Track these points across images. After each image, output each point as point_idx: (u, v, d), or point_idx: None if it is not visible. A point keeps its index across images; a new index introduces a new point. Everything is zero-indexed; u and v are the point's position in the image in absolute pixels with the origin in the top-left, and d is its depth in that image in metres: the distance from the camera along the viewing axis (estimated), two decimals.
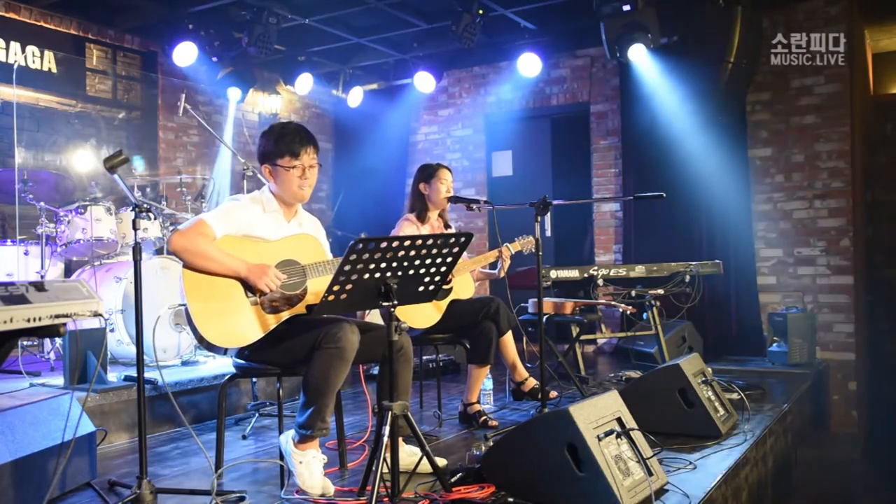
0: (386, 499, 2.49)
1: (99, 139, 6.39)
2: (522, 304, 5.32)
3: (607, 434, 2.59)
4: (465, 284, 3.97)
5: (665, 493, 2.72)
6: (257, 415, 4.16)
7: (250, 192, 3.14)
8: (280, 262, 2.87)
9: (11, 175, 4.99)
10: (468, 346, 3.93)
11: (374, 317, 3.95)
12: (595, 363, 6.36)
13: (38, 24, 6.06)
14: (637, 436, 2.73)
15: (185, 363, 4.74)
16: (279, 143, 2.93)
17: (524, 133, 7.93)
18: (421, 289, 2.69)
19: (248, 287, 2.80)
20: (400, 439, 2.67)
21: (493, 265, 4.13)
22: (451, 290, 3.87)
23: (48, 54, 6.07)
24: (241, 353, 2.90)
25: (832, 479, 4.67)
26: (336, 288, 2.44)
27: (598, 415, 2.66)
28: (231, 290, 2.78)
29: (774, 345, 5.77)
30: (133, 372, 3.19)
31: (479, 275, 4.22)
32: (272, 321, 2.81)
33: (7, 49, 5.79)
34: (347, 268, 2.38)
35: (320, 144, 3.08)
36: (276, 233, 2.97)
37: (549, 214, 3.71)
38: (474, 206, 4.01)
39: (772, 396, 4.58)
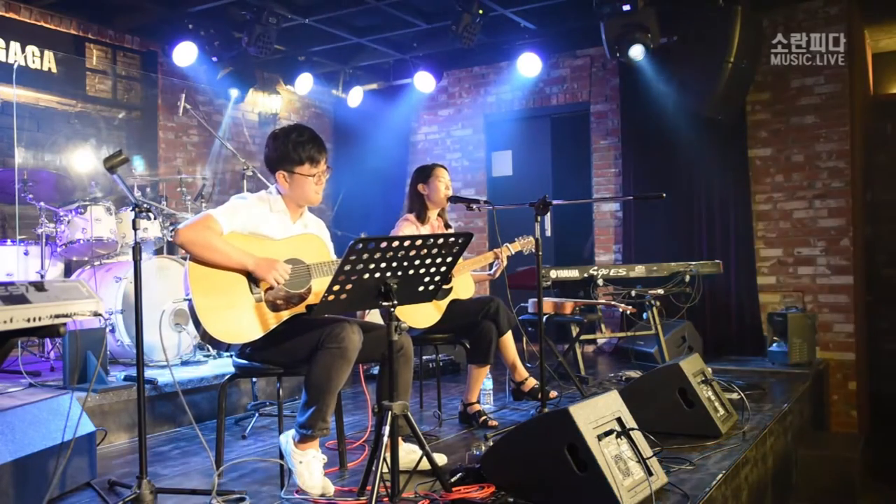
0: (386, 499, 2.49)
1: (99, 139, 6.39)
2: (522, 304, 5.32)
3: (607, 434, 2.59)
4: (465, 284, 3.97)
5: (665, 493, 2.72)
6: (257, 415, 4.16)
7: (250, 192, 3.14)
8: (285, 260, 2.86)
9: (11, 175, 4.98)
10: (468, 346, 3.93)
11: (374, 317, 3.95)
12: (595, 363, 6.36)
13: (38, 24, 6.05)
14: (637, 436, 2.73)
15: (185, 363, 4.74)
16: (299, 150, 2.92)
17: (524, 133, 7.93)
18: (421, 289, 2.69)
19: (253, 283, 2.81)
20: (400, 439, 2.67)
21: (489, 265, 4.13)
22: (451, 290, 3.87)
23: (48, 54, 6.07)
24: (242, 352, 2.90)
25: (832, 479, 4.67)
26: (336, 288, 2.44)
27: (598, 415, 2.66)
28: (236, 285, 2.78)
29: (774, 345, 5.77)
30: (133, 372, 3.19)
31: (474, 276, 4.22)
32: (273, 320, 2.81)
33: (7, 49, 5.79)
34: (347, 268, 2.39)
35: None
36: (281, 233, 2.97)
37: (549, 214, 3.70)
38: (474, 206, 4.01)
39: (772, 396, 4.58)
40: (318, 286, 2.88)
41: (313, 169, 2.94)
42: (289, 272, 2.81)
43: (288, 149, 2.94)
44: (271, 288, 2.82)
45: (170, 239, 5.26)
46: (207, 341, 2.81)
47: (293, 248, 2.93)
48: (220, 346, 2.87)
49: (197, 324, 2.74)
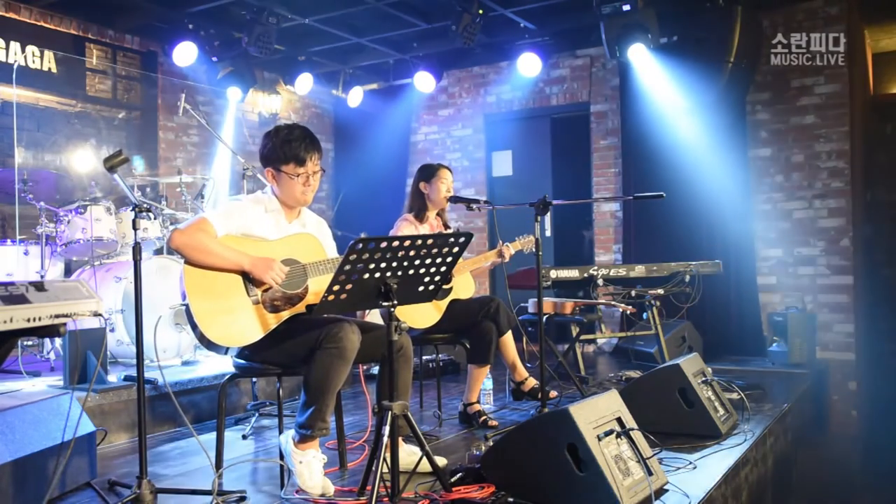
0: (386, 499, 2.49)
1: (99, 139, 6.39)
2: (522, 304, 5.32)
3: (607, 434, 2.59)
4: (465, 284, 3.97)
5: (665, 493, 2.72)
6: (257, 415, 4.16)
7: (251, 193, 3.14)
8: (281, 261, 2.86)
9: (11, 175, 4.99)
10: (468, 346, 3.93)
11: (374, 316, 3.94)
12: (595, 363, 6.36)
13: (38, 24, 6.06)
14: (637, 436, 2.72)
15: (185, 363, 4.74)
16: (285, 148, 2.90)
17: (524, 133, 7.93)
18: (421, 289, 2.69)
19: (250, 284, 2.80)
20: (400, 439, 2.67)
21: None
22: (451, 289, 3.87)
23: (48, 54, 6.07)
24: (241, 352, 2.89)
25: (832, 479, 4.67)
26: (336, 288, 2.44)
27: (598, 415, 2.66)
28: (232, 288, 2.78)
29: (774, 345, 5.77)
30: (133, 372, 3.19)
31: (478, 270, 4.21)
32: (273, 321, 2.80)
33: (7, 49, 5.79)
34: (347, 268, 2.38)
35: (320, 144, 3.07)
36: (276, 233, 2.96)
37: (548, 214, 3.71)
38: (474, 206, 4.01)
39: (772, 396, 4.57)
40: (315, 286, 2.87)
41: (299, 169, 2.91)
42: (285, 272, 2.80)
43: (276, 146, 2.93)
44: (268, 289, 2.82)
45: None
46: (206, 346, 2.79)
47: (288, 248, 2.91)
48: (219, 351, 2.85)
49: (195, 329, 2.73)
